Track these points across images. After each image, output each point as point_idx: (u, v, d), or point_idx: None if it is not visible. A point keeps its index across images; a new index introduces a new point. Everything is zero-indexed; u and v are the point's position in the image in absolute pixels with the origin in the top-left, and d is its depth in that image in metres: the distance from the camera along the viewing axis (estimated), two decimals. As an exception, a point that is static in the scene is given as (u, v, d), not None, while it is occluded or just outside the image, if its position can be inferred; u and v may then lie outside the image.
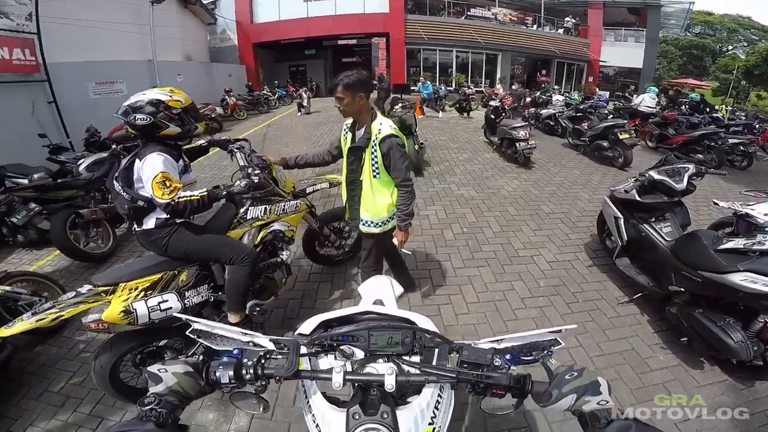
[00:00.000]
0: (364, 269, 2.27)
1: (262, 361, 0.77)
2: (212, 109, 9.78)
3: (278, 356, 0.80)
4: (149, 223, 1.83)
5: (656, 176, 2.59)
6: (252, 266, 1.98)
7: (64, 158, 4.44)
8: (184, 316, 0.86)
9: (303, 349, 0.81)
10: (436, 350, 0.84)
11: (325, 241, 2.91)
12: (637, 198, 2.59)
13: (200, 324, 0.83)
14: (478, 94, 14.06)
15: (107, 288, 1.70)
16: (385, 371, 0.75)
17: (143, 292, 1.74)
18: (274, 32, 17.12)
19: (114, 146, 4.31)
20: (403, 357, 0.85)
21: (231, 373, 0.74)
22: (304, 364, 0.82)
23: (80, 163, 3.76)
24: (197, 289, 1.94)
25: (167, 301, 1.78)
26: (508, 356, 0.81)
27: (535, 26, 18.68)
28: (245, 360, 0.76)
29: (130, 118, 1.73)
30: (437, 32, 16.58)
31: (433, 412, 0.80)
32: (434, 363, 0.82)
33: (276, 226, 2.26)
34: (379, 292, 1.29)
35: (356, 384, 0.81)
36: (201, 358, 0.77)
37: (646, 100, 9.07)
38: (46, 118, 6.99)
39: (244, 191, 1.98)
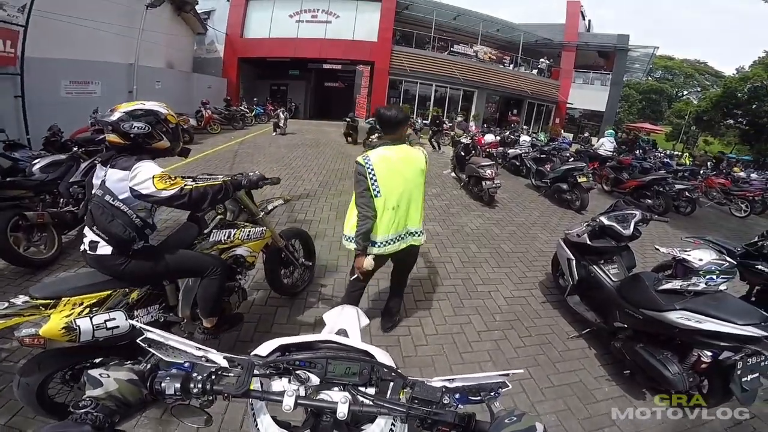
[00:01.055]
0: (349, 286, 2.42)
1: (213, 377, 0.76)
2: (186, 120, 9.60)
3: (230, 374, 0.79)
4: (120, 246, 1.68)
5: (606, 222, 2.80)
6: (223, 277, 1.99)
7: (18, 156, 4.17)
8: (138, 324, 0.84)
9: (257, 370, 0.80)
10: (391, 384, 0.86)
11: (289, 265, 2.84)
12: (588, 242, 2.77)
13: (153, 333, 0.81)
14: (451, 129, 14.47)
15: (47, 301, 1.57)
16: (339, 399, 0.75)
17: (88, 309, 1.62)
18: (261, 48, 17.30)
19: (75, 149, 4.12)
20: (359, 388, 0.85)
21: (177, 385, 0.72)
22: (255, 384, 0.81)
23: (35, 163, 3.55)
24: (147, 309, 1.86)
25: (114, 319, 1.67)
26: (457, 395, 0.83)
27: (511, 66, 19.92)
28: (195, 374, 0.75)
29: (125, 125, 1.65)
30: (420, 65, 17.33)
31: None
32: (388, 396, 0.83)
33: (238, 251, 2.23)
34: (343, 322, 1.28)
35: (308, 409, 0.82)
36: (148, 366, 0.75)
37: (606, 144, 9.83)
38: (8, 114, 6.63)
39: (257, 181, 2.08)
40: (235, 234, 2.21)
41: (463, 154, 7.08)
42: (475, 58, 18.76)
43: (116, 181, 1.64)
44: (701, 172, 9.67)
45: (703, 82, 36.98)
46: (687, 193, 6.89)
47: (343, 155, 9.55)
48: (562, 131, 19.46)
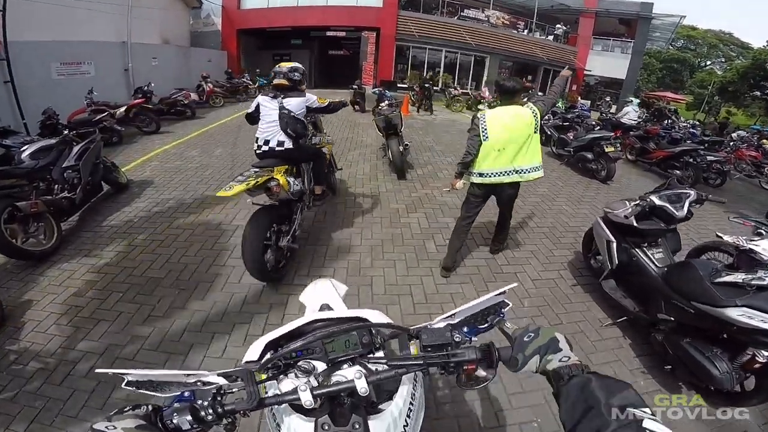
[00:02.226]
0: (459, 220, 3.10)
1: (218, 398, 0.70)
2: (187, 95, 9.26)
3: (234, 389, 0.74)
4: (296, 142, 2.90)
5: (657, 202, 2.49)
6: (323, 159, 3.41)
7: (10, 142, 3.97)
8: (111, 371, 0.74)
9: (259, 376, 0.75)
10: (397, 341, 0.82)
11: (331, 167, 4.13)
12: (635, 224, 2.48)
13: (132, 375, 0.73)
14: (464, 95, 13.99)
15: (267, 168, 2.69)
16: (353, 376, 0.71)
17: (287, 174, 2.81)
18: (260, 19, 16.46)
19: (66, 132, 3.90)
20: (367, 356, 0.83)
21: (189, 417, 0.66)
22: (264, 390, 0.76)
23: (24, 150, 3.34)
24: (296, 179, 2.94)
25: (297, 183, 2.90)
26: (465, 329, 0.81)
27: (525, 31, 18.74)
28: (199, 401, 0.69)
29: (292, 74, 2.86)
30: (429, 30, 16.36)
31: (406, 420, 0.79)
32: (399, 355, 0.79)
33: (324, 149, 3.59)
34: (323, 297, 1.26)
35: (322, 396, 0.75)
36: (151, 408, 0.67)
37: (630, 113, 9.21)
38: (0, 100, 6.41)
39: (344, 105, 3.53)
40: (321, 140, 3.79)
41: None
42: (487, 23, 17.61)
43: (296, 104, 2.83)
44: (730, 143, 9.14)
45: (728, 53, 35.13)
46: (718, 165, 6.46)
47: (351, 124, 9.24)
48: (579, 98, 18.44)
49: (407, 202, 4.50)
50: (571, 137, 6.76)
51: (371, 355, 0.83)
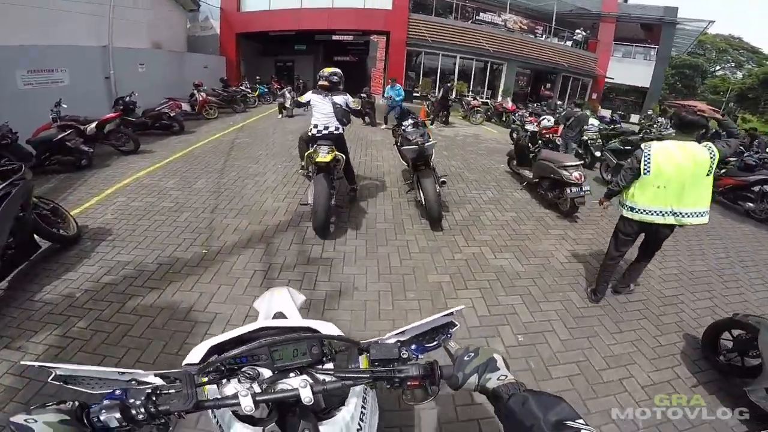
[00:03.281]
0: (605, 258, 2.92)
1: (153, 398, 0.65)
2: (177, 105, 8.17)
3: (171, 390, 0.69)
4: (341, 129, 3.87)
5: None
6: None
7: None
8: (38, 364, 0.74)
9: (200, 379, 0.74)
10: (347, 353, 0.86)
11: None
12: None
13: (61, 369, 0.73)
14: (483, 106, 12.88)
15: (332, 147, 3.68)
16: (298, 385, 0.70)
17: (335, 154, 3.67)
18: (261, 22, 15.41)
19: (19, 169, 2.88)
20: (316, 367, 0.83)
21: (118, 415, 0.62)
22: (204, 393, 0.78)
23: None
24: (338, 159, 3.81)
25: (340, 156, 3.81)
26: (413, 346, 0.84)
27: (543, 36, 17.67)
28: (131, 400, 0.64)
29: (332, 77, 3.72)
30: (442, 35, 15.28)
31: (359, 424, 0.81)
32: (348, 367, 0.83)
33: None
34: (278, 305, 1.24)
35: (269, 404, 0.74)
36: (77, 404, 0.63)
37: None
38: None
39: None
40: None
41: (529, 145, 5.49)
42: (504, 27, 16.54)
43: (341, 100, 3.72)
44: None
45: (738, 58, 34.45)
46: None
47: (363, 141, 8.07)
48: (600, 107, 17.30)
49: (451, 270, 3.30)
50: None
51: (320, 366, 0.83)
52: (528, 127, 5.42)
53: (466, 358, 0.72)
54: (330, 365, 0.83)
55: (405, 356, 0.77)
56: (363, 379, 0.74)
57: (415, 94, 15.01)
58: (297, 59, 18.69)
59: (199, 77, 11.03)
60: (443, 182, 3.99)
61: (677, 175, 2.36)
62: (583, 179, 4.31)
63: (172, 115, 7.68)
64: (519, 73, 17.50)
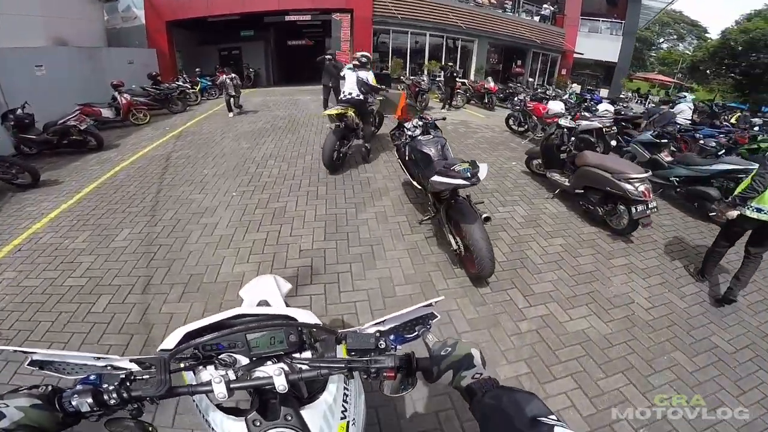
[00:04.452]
0: (712, 245, 2.96)
1: (127, 384, 0.65)
2: (89, 113, 6.33)
3: (146, 376, 0.70)
4: (365, 97, 5.08)
5: None
6: (369, 114, 5.43)
7: None
8: (13, 348, 0.73)
9: (175, 365, 0.75)
10: (326, 342, 0.86)
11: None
12: None
13: (38, 354, 0.73)
14: (462, 86, 11.79)
15: (348, 106, 4.73)
16: (272, 372, 0.69)
17: (354, 113, 4.73)
18: (197, 8, 13.03)
19: None
20: (293, 355, 0.82)
21: (90, 400, 0.62)
22: (180, 378, 0.78)
23: None
24: (357, 118, 4.87)
25: (358, 120, 4.86)
26: (392, 337, 0.83)
27: (512, 12, 16.74)
28: (105, 385, 0.64)
29: (361, 59, 5.22)
30: (410, 10, 13.82)
31: (343, 405, 0.80)
32: (326, 356, 0.84)
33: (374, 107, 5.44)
34: (262, 293, 1.22)
35: (250, 391, 0.74)
36: (50, 388, 0.63)
37: (685, 111, 7.35)
38: None
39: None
40: (373, 100, 5.46)
41: (557, 144, 4.42)
42: (473, 2, 15.36)
43: (365, 75, 5.07)
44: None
45: (679, 31, 36.19)
46: None
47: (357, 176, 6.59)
48: (570, 83, 16.83)
49: (523, 352, 2.19)
50: (669, 158, 4.69)
51: (297, 354, 0.83)
52: (562, 122, 4.32)
53: (443, 353, 0.72)
54: (308, 354, 0.83)
55: (382, 347, 0.75)
56: (338, 369, 0.73)
57: (394, 77, 13.48)
58: (244, 46, 16.36)
59: (124, 75, 8.91)
60: (487, 218, 2.64)
61: None
62: (650, 194, 3.27)
63: (81, 128, 5.78)
64: (490, 50, 16.52)
